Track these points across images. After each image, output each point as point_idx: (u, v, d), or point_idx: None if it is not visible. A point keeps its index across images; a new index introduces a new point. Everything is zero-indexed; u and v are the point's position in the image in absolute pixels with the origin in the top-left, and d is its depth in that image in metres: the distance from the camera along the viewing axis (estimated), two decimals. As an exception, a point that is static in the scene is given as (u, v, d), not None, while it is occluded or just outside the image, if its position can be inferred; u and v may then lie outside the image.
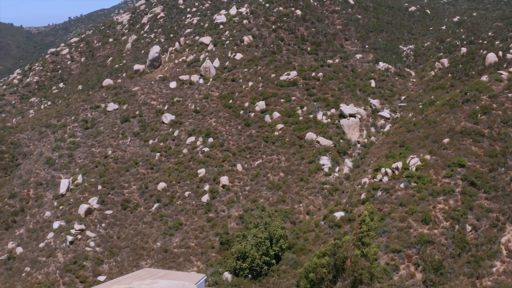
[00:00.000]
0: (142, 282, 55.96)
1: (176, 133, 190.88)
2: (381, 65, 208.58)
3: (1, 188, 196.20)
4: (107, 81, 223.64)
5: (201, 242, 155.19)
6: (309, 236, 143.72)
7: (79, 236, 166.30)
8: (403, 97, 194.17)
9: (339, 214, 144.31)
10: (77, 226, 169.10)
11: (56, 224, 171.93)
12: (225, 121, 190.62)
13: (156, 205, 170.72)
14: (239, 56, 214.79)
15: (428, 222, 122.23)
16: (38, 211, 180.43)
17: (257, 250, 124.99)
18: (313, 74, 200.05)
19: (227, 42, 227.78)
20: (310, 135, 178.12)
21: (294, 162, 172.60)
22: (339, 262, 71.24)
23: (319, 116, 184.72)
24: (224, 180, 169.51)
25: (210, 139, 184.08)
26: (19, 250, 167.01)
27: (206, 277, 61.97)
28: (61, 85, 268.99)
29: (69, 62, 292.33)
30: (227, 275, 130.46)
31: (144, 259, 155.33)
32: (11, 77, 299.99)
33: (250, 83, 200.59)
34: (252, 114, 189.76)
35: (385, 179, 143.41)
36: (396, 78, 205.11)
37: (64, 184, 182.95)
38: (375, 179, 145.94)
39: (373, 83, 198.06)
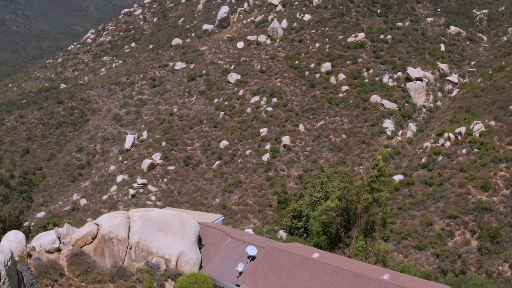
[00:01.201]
0: (138, 209, 57.30)
1: (241, 93, 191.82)
2: (452, 29, 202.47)
3: (70, 142, 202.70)
4: (176, 41, 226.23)
5: (259, 200, 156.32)
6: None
7: (141, 190, 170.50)
8: (473, 62, 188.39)
9: (398, 178, 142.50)
10: (140, 180, 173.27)
11: (119, 178, 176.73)
12: (290, 82, 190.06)
13: (217, 162, 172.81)
14: (307, 17, 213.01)
15: (488, 189, 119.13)
16: (104, 165, 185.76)
17: (312, 209, 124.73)
18: (382, 36, 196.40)
19: (296, 3, 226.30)
20: (375, 98, 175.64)
21: (357, 124, 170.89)
22: (351, 206, 70.06)
23: (385, 79, 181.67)
24: (286, 140, 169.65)
25: (274, 99, 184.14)
26: (83, 201, 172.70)
27: (223, 217, 62.54)
28: (133, 44, 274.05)
29: (141, 23, 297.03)
30: (282, 233, 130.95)
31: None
32: (85, 36, 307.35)
33: (317, 45, 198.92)
34: (318, 75, 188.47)
35: (447, 144, 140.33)
36: (467, 42, 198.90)
37: (129, 140, 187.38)
38: (437, 144, 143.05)
39: (442, 47, 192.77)
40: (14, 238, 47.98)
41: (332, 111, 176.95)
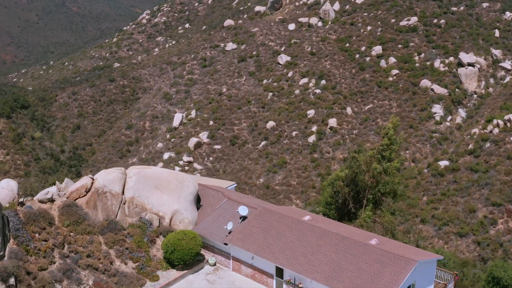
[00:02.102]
0: (136, 166, 57.14)
1: (290, 74, 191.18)
2: (508, 14, 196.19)
3: (120, 119, 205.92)
4: (228, 22, 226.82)
5: (303, 181, 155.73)
6: (410, 183, 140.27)
7: (186, 168, 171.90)
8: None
9: (443, 163, 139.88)
10: (186, 158, 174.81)
11: (166, 155, 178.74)
12: (340, 64, 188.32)
13: (263, 142, 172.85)
14: (360, 0, 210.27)
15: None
16: (152, 142, 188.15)
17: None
18: (435, 21, 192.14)
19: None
20: (425, 82, 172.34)
21: (405, 108, 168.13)
22: (360, 176, 68.20)
23: (436, 63, 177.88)
24: (332, 122, 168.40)
25: (323, 81, 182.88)
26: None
27: (236, 184, 62.07)
28: (187, 25, 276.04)
29: (196, 4, 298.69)
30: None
31: (245, 193, 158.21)
32: (140, 17, 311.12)
33: (369, 28, 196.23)
34: (368, 59, 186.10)
35: (496, 130, 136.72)
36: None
37: (177, 118, 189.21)
38: (485, 130, 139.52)
39: (497, 33, 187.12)
40: (6, 186, 49.02)
41: (381, 94, 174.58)
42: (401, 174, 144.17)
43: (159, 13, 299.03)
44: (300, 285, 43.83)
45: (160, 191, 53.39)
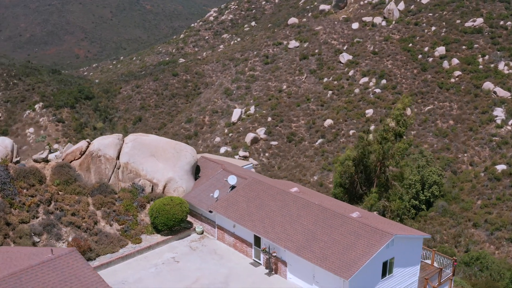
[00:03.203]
0: (135, 133, 57.57)
1: (351, 73, 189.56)
2: None
3: (181, 113, 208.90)
4: (292, 20, 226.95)
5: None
6: (465, 186, 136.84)
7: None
8: None
9: (500, 167, 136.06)
10: (241, 153, 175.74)
11: (222, 149, 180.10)
12: (402, 64, 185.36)
13: (320, 140, 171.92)
14: (425, 0, 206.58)
15: None
16: (210, 137, 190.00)
17: (406, 193, 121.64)
18: (501, 22, 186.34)
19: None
20: (488, 85, 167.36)
21: (466, 110, 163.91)
22: (367, 158, 67.02)
23: (501, 66, 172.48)
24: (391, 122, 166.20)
25: (383, 81, 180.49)
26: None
27: (252, 164, 61.85)
28: (253, 23, 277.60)
29: (263, 2, 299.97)
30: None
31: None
32: (208, 14, 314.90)
33: (433, 28, 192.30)
34: (430, 59, 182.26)
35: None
36: None
37: (236, 113, 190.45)
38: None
39: None
40: (0, 143, 50.47)
41: (442, 96, 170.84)
42: (457, 177, 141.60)
43: (226, 11, 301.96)
44: (273, 254, 43.37)
45: (155, 159, 53.53)
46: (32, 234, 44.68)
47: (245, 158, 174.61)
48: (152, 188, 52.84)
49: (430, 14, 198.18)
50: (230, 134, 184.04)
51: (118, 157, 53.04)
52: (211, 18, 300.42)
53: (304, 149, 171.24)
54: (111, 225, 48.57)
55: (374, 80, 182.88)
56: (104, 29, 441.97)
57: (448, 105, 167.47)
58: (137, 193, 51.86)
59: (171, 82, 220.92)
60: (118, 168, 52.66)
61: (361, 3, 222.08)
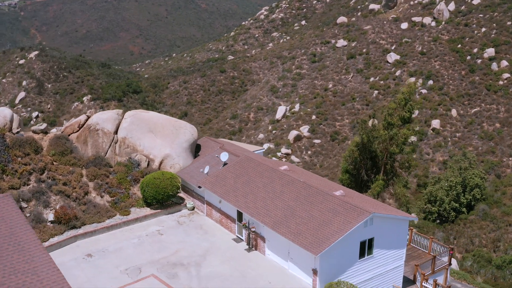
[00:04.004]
0: (136, 110, 57.53)
1: (398, 73, 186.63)
2: None
3: (226, 109, 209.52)
4: (341, 19, 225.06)
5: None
6: (508, 190, 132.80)
7: (283, 160, 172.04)
8: None
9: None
10: (284, 150, 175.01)
11: (265, 146, 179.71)
12: (449, 65, 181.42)
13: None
14: (476, 1, 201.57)
15: None
16: (254, 133, 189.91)
17: (446, 195, 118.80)
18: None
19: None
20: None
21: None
22: (371, 143, 65.13)
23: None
24: (436, 123, 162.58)
25: (430, 82, 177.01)
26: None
27: (264, 149, 61.09)
28: (303, 22, 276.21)
29: (314, 2, 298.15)
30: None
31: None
32: (259, 13, 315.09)
33: (483, 29, 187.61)
34: (479, 61, 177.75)
35: None
36: None
37: (281, 111, 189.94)
38: None
39: None
40: (0, 113, 51.33)
41: (489, 98, 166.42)
42: (500, 181, 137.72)
43: (277, 10, 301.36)
44: (252, 229, 42.69)
45: (154, 135, 53.50)
46: (20, 199, 45.27)
47: (287, 155, 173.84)
48: (148, 164, 52.92)
49: (481, 15, 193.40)
50: (274, 131, 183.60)
51: (116, 132, 53.33)
52: (262, 17, 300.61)
53: (346, 148, 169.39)
54: (102, 197, 48.78)
55: (421, 80, 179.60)
56: (158, 27, 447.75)
57: (495, 107, 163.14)
58: (132, 168, 52.00)
59: (218, 79, 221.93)
60: (116, 143, 52.97)
61: (411, 3, 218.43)
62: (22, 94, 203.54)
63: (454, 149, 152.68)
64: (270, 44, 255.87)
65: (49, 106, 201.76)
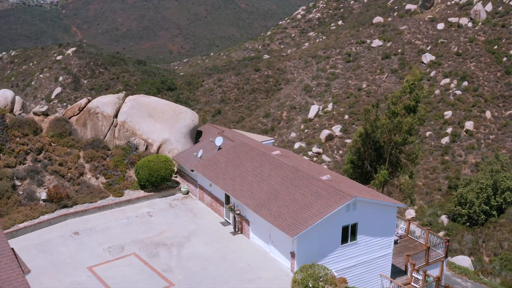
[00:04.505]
0: (139, 96, 57.43)
1: (432, 74, 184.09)
2: None
3: (260, 108, 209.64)
4: (377, 19, 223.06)
5: (429, 182, 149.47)
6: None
7: (314, 159, 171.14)
8: None
9: None
10: (315, 149, 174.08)
11: (297, 145, 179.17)
12: (485, 67, 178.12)
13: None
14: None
15: None
16: (286, 132, 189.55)
17: (477, 197, 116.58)
18: None
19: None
20: None
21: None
22: (374, 132, 63.63)
23: None
24: (469, 125, 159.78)
25: (465, 83, 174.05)
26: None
27: (273, 140, 60.61)
28: (339, 22, 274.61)
29: (352, 2, 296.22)
30: (443, 219, 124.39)
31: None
32: (296, 12, 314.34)
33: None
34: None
35: None
36: None
37: (313, 110, 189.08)
38: None
39: None
40: (1, 94, 52.23)
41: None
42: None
43: (314, 9, 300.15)
44: (237, 212, 42.53)
45: (153, 119, 53.71)
46: (15, 177, 45.90)
47: (318, 154, 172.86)
48: (146, 148, 53.10)
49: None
50: (306, 130, 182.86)
51: (116, 116, 53.68)
52: (299, 16, 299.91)
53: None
54: (97, 178, 49.14)
55: (455, 81, 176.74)
56: (198, 26, 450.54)
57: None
58: (130, 151, 52.27)
59: (253, 77, 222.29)
60: (115, 126, 53.32)
61: (448, 3, 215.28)
62: (58, 89, 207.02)
63: (487, 152, 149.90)
64: (306, 44, 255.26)
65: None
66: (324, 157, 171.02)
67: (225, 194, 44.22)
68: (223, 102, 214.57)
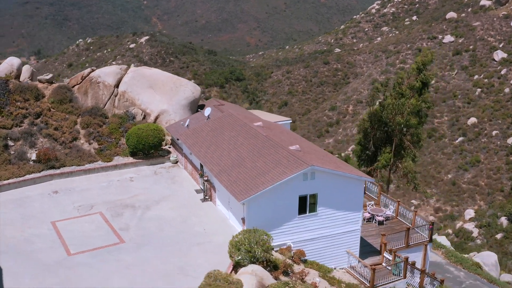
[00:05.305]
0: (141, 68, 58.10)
1: (503, 71, 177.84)
2: None
3: (326, 101, 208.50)
4: (451, 14, 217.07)
5: (492, 183, 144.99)
6: None
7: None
8: None
9: None
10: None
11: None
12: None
13: (460, 138, 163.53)
14: None
15: None
16: (350, 126, 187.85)
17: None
18: None
19: None
20: None
21: None
22: (381, 112, 61.66)
23: None
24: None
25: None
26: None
27: (290, 121, 59.96)
28: (414, 17, 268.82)
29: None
30: (502, 220, 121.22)
31: (430, 187, 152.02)
32: (370, 7, 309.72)
33: None
34: None
35: None
36: None
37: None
38: None
39: None
40: (8, 61, 54.85)
41: None
42: None
43: (389, 4, 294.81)
44: (205, 178, 42.98)
45: (153, 90, 54.77)
46: (8, 138, 47.95)
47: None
48: (144, 117, 54.29)
49: None
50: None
51: (117, 86, 55.07)
52: (373, 11, 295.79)
53: (443, 146, 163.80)
54: (90, 144, 50.65)
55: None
56: (276, 20, 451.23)
57: None
58: (127, 120, 53.46)
59: (321, 70, 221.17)
60: (115, 96, 54.73)
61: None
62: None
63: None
64: (379, 39, 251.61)
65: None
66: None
67: (200, 162, 44.57)
68: (290, 94, 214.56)
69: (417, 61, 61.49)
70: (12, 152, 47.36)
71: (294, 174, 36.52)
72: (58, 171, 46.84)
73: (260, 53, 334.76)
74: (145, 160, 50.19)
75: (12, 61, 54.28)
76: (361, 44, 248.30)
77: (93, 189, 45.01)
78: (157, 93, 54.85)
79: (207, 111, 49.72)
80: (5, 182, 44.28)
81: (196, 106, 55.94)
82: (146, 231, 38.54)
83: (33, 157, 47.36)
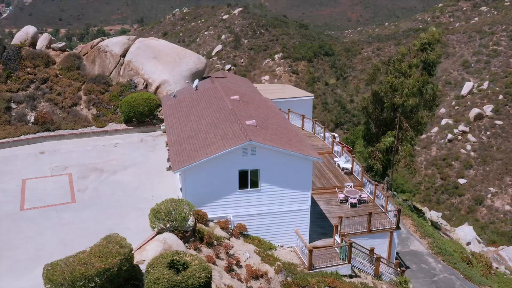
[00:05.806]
0: (148, 39, 59.95)
1: None
2: None
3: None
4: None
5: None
6: None
7: (459, 137, 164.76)
8: None
9: None
10: (461, 128, 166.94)
11: (444, 121, 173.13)
12: None
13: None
14: None
15: None
16: (436, 108, 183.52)
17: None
18: None
19: None
20: None
21: None
22: (381, 91, 60.10)
23: None
24: None
25: None
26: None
27: (313, 97, 60.10)
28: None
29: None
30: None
31: (510, 174, 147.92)
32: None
33: None
34: None
35: None
36: None
37: (467, 87, 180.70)
38: None
39: None
40: (24, 30, 58.63)
41: None
42: None
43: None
44: (167, 148, 44.00)
45: (157, 61, 56.98)
46: (12, 101, 51.97)
47: (464, 133, 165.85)
48: (146, 87, 56.70)
49: None
50: (456, 107, 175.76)
51: (124, 56, 57.93)
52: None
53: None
54: (89, 109, 53.85)
55: None
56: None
57: None
58: (129, 89, 56.08)
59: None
60: (121, 65, 57.53)
61: None
62: (219, 47, 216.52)
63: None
64: (476, 18, 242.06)
65: (242, 60, 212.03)
66: (470, 136, 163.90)
67: (172, 132, 46.41)
68: (378, 71, 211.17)
69: (421, 37, 60.17)
70: (13, 114, 51.40)
71: (231, 148, 37.45)
72: (51, 133, 50.45)
73: (359, 28, 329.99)
74: (137, 127, 52.73)
75: (28, 30, 58.26)
76: (457, 24, 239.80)
77: (76, 152, 48.07)
78: (160, 64, 57.08)
79: (195, 82, 51.20)
80: (0, 141, 48.30)
81: (200, 78, 57.71)
82: (98, 193, 41.02)
83: (32, 119, 51.21)
